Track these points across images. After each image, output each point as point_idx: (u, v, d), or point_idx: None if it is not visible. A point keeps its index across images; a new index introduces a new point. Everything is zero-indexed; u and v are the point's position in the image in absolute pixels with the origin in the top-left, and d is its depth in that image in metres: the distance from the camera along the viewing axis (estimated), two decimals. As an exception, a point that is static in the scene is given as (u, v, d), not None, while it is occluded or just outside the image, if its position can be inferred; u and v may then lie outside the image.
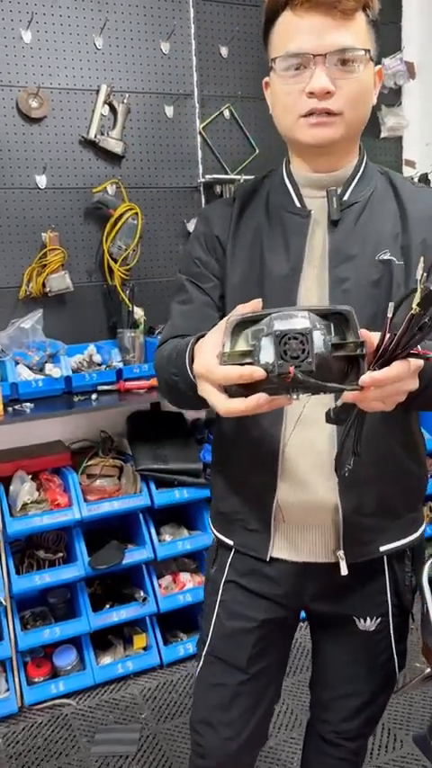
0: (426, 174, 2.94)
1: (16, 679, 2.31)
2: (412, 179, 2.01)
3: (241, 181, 2.68)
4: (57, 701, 2.35)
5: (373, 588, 1.24)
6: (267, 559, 1.22)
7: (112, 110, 2.51)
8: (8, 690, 2.30)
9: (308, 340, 0.78)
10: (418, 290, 0.78)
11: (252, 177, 1.33)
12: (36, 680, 2.35)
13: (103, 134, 2.50)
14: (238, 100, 2.74)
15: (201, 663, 1.34)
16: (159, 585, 2.50)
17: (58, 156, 2.46)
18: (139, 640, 2.46)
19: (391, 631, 1.27)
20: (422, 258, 0.84)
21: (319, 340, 0.79)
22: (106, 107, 2.49)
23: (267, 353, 0.79)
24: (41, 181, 2.44)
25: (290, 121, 1.08)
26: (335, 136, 1.07)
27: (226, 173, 2.73)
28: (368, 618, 1.25)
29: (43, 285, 2.42)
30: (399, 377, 0.82)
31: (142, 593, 2.46)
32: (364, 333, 0.83)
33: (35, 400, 2.29)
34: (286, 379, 0.78)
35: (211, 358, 0.87)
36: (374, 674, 1.30)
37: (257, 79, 2.63)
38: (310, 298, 1.12)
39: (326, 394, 0.84)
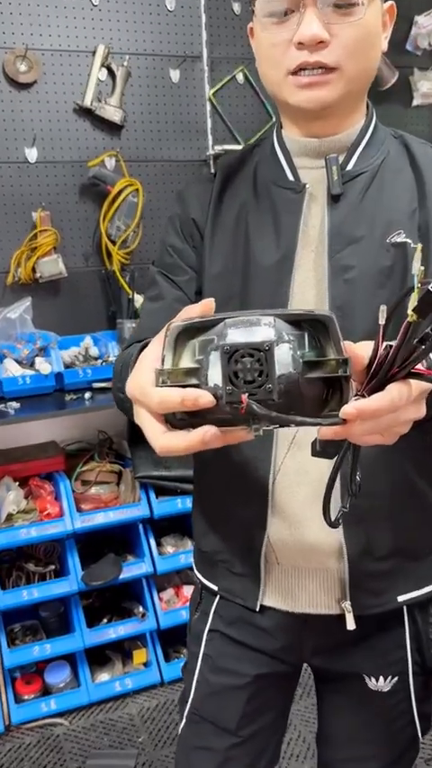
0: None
1: (3, 696, 2.18)
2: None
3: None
4: (47, 721, 2.22)
5: (387, 643, 1.05)
6: (257, 609, 1.04)
7: (111, 74, 2.35)
8: None
9: (267, 358, 0.58)
10: (415, 290, 0.60)
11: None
12: (25, 697, 2.23)
13: (100, 101, 2.33)
14: (253, 62, 2.47)
15: (183, 722, 1.17)
16: (160, 599, 2.37)
17: (49, 126, 2.30)
18: (139, 655, 2.34)
19: (412, 692, 1.07)
20: (418, 248, 0.64)
21: (285, 357, 0.59)
22: (104, 71, 2.33)
23: (216, 374, 0.60)
24: (31, 154, 2.29)
25: (277, 79, 0.91)
26: (331, 97, 0.90)
27: (238, 144, 2.54)
28: (381, 677, 1.06)
29: (33, 270, 2.28)
30: (394, 405, 0.62)
31: (141, 609, 2.32)
32: (349, 346, 0.63)
33: (22, 399, 2.14)
34: (240, 410, 0.58)
35: (147, 376, 0.66)
36: (390, 740, 1.11)
37: (274, 37, 2.45)
38: (305, 291, 0.95)
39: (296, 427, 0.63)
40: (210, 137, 2.52)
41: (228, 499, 1.04)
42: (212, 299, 0.68)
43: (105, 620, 2.33)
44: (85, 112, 2.32)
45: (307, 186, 0.96)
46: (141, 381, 0.67)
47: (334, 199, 0.95)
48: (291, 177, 0.98)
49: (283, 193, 0.98)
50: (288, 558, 1.01)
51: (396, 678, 1.06)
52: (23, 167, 2.28)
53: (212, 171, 1.07)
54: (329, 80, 0.89)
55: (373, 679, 1.06)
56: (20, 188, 2.28)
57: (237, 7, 2.46)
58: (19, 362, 2.20)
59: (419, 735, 1.11)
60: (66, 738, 2.15)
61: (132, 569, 2.27)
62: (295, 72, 0.89)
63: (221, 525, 1.07)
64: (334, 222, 0.95)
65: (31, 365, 2.23)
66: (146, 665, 2.34)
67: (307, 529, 0.98)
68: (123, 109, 2.35)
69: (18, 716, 2.17)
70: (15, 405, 2.08)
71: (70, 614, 2.28)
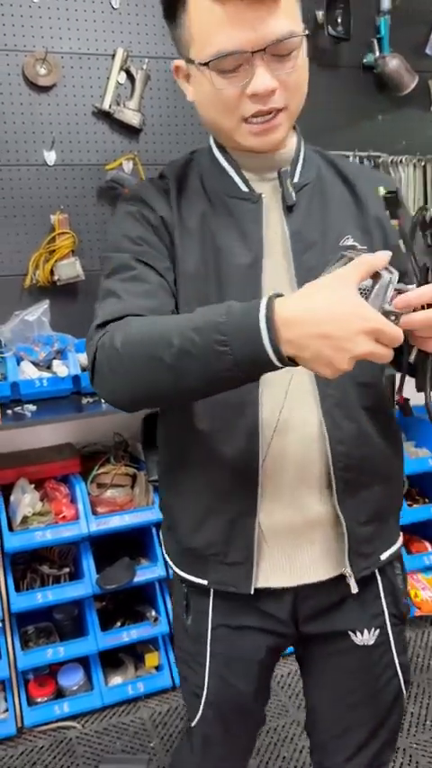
0: None
1: (16, 699, 2.17)
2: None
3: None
4: (60, 724, 2.21)
5: (367, 597, 1.15)
6: (252, 593, 1.09)
7: (130, 77, 2.32)
8: (6, 710, 2.17)
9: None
10: None
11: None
12: (38, 700, 2.21)
13: (118, 104, 2.30)
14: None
15: (198, 717, 1.21)
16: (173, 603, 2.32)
17: (68, 129, 2.27)
18: (152, 659, 2.32)
19: (392, 643, 1.17)
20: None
21: None
22: (123, 74, 2.30)
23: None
24: (50, 157, 2.26)
25: (230, 125, 0.99)
26: (282, 136, 1.01)
27: (255, 148, 2.49)
28: (365, 631, 1.15)
29: (51, 273, 2.25)
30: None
31: (154, 613, 2.31)
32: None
33: (39, 401, 2.12)
34: None
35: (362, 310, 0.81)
36: (380, 695, 1.18)
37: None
38: (276, 288, 0.97)
39: None
40: None
41: (216, 493, 1.07)
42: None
43: (119, 624, 2.31)
44: (104, 116, 2.30)
45: (263, 196, 1.05)
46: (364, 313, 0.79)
47: (288, 208, 1.05)
48: (245, 188, 1.06)
49: (241, 204, 1.05)
50: (280, 538, 1.08)
51: (378, 630, 1.15)
52: (42, 170, 2.26)
53: (162, 178, 1.10)
54: (279, 122, 0.98)
55: (359, 634, 1.14)
56: (38, 190, 2.26)
57: (256, 11, 2.44)
58: (36, 365, 2.18)
59: (403, 689, 1.20)
60: (78, 742, 2.14)
61: (146, 573, 2.26)
62: (250, 118, 0.96)
63: (212, 519, 1.08)
64: (293, 229, 1.05)
65: (48, 367, 2.21)
66: (158, 668, 2.33)
67: (299, 507, 1.06)
68: (142, 112, 2.32)
69: (31, 718, 2.17)
70: (32, 407, 2.06)
71: (84, 617, 2.27)
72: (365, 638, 1.15)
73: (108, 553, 2.31)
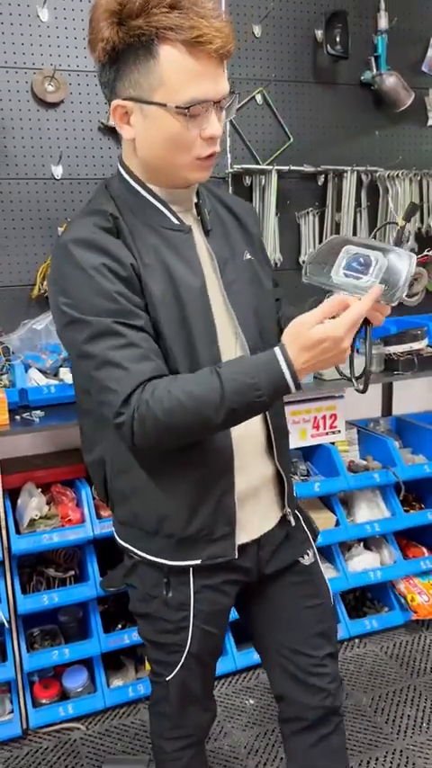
0: None
1: (21, 700, 2.19)
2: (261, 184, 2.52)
3: (272, 171, 2.49)
4: (64, 725, 2.23)
5: (298, 529, 1.44)
6: (236, 556, 1.30)
7: None
8: (12, 711, 2.18)
9: None
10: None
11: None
12: (43, 701, 2.23)
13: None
14: (272, 84, 2.55)
15: (177, 669, 1.38)
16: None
17: (75, 143, 2.32)
18: None
19: (317, 556, 1.48)
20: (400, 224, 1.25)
21: None
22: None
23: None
24: (57, 171, 2.31)
25: (184, 161, 1.15)
26: (209, 174, 1.22)
27: (257, 162, 2.56)
28: (306, 554, 1.45)
29: None
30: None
31: None
32: None
33: (47, 407, 2.14)
34: None
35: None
36: (325, 593, 1.48)
37: (294, 61, 2.51)
38: (217, 303, 1.24)
39: None
40: (229, 155, 2.53)
41: (203, 484, 1.25)
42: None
43: (120, 626, 2.33)
44: (110, 131, 2.34)
45: (191, 227, 1.24)
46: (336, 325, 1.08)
47: (207, 233, 1.27)
48: (176, 221, 1.23)
49: (176, 235, 1.22)
50: (247, 502, 1.31)
51: (311, 550, 1.46)
52: (49, 183, 2.30)
53: (108, 222, 1.18)
54: (213, 161, 1.18)
55: (305, 557, 1.44)
56: (46, 204, 2.30)
57: (257, 30, 2.49)
58: (43, 372, 2.22)
59: (329, 587, 1.51)
60: (82, 743, 2.16)
61: None
62: (203, 159, 1.15)
63: (202, 506, 1.26)
64: (214, 249, 1.26)
65: (55, 375, 2.24)
66: None
67: (257, 473, 1.33)
68: None
69: (36, 720, 2.18)
70: (40, 413, 2.08)
71: (88, 619, 2.28)
72: (308, 558, 1.45)
73: (110, 556, 2.28)
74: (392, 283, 1.11)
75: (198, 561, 1.29)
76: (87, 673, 2.28)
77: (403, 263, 1.11)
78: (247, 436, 1.29)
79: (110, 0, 1.06)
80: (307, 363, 1.10)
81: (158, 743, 1.53)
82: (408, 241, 1.15)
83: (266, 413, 1.30)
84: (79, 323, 1.12)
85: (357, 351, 1.22)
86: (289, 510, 1.39)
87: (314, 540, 1.49)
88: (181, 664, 1.37)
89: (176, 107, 1.08)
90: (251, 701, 2.30)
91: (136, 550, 1.35)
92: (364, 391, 1.23)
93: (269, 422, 1.32)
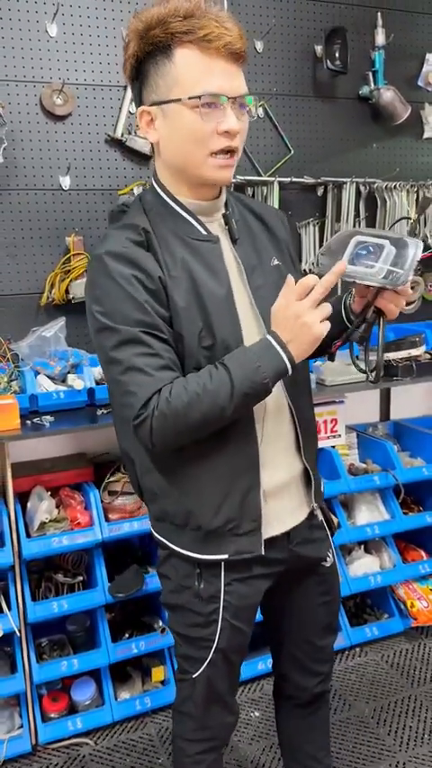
0: (471, 177, 2.78)
1: (30, 715, 2.14)
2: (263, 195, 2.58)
3: (274, 182, 2.54)
4: (74, 740, 2.18)
5: (320, 527, 1.49)
6: (263, 553, 1.33)
7: None
8: (21, 726, 2.14)
9: None
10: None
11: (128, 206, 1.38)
12: (52, 716, 2.19)
13: (130, 133, 2.40)
14: (274, 97, 2.61)
15: (205, 665, 1.40)
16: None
17: (82, 155, 2.36)
18: (158, 673, 2.31)
19: (335, 555, 1.55)
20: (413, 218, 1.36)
21: None
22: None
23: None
24: (65, 182, 2.35)
25: (199, 156, 1.19)
26: (231, 176, 1.25)
27: (259, 174, 2.62)
28: (328, 556, 1.51)
29: (66, 292, 2.32)
30: None
31: (161, 624, 2.31)
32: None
33: (56, 413, 2.16)
34: None
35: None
36: (337, 591, 1.58)
37: (294, 75, 2.58)
38: (244, 308, 1.29)
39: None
40: None
41: (229, 478, 1.29)
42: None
43: (126, 635, 2.31)
44: (116, 143, 2.38)
45: (219, 237, 1.29)
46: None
47: (234, 242, 1.31)
48: (204, 232, 1.28)
49: (204, 245, 1.27)
50: (277, 495, 1.36)
51: (330, 551, 1.52)
52: (58, 194, 2.34)
53: (138, 234, 1.24)
54: (233, 162, 1.22)
55: (327, 559, 1.50)
56: (54, 213, 2.34)
57: (259, 45, 2.56)
58: (51, 378, 2.24)
59: (340, 588, 1.61)
60: (92, 759, 2.12)
61: (154, 581, 2.24)
62: (217, 153, 1.18)
63: (228, 500, 1.30)
64: (241, 257, 1.31)
65: (63, 381, 2.26)
66: (163, 683, 2.32)
67: (286, 468, 1.38)
68: None
69: (45, 735, 2.13)
70: (50, 418, 2.10)
71: (96, 628, 2.26)
72: (329, 560, 1.51)
73: (116, 562, 2.32)
74: (399, 267, 1.14)
75: (225, 556, 1.32)
76: (95, 685, 2.25)
77: (410, 248, 1.15)
78: (277, 435, 1.34)
79: (136, 22, 1.18)
80: (290, 342, 1.18)
81: (180, 744, 1.53)
82: (419, 234, 1.18)
83: (294, 414, 1.36)
84: (109, 330, 1.19)
85: (372, 347, 1.27)
86: (316, 505, 1.45)
87: (332, 537, 1.54)
88: (209, 660, 1.39)
89: (189, 98, 1.15)
90: (257, 714, 2.29)
91: (168, 543, 1.39)
92: (375, 382, 1.27)
93: (296, 422, 1.37)
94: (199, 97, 1.14)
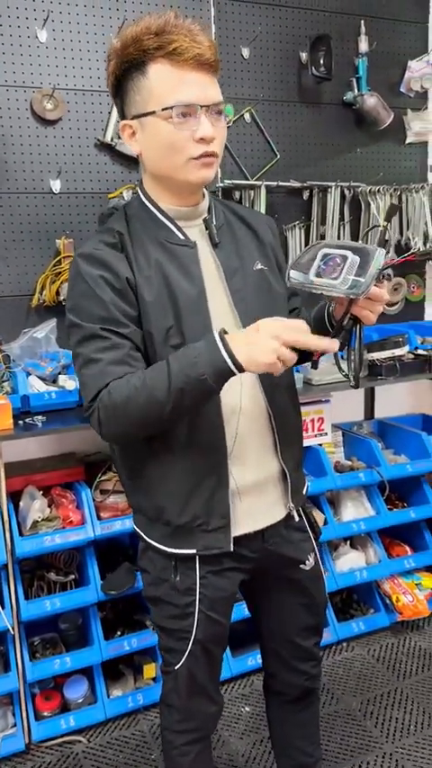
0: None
1: (24, 713, 2.16)
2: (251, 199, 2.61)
3: (261, 186, 2.59)
4: (67, 738, 2.20)
5: (301, 528, 1.51)
6: (231, 549, 1.37)
7: None
8: (15, 725, 2.15)
9: None
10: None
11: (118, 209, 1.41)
12: (45, 714, 2.21)
13: (119, 137, 2.38)
14: (260, 103, 2.65)
15: (185, 657, 1.44)
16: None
17: (72, 159, 2.39)
18: (149, 670, 2.34)
19: (318, 559, 1.57)
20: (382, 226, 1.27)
21: None
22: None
23: None
24: (56, 185, 2.37)
25: (179, 163, 1.25)
26: (213, 175, 1.29)
27: (246, 178, 2.65)
28: (308, 558, 1.53)
29: (57, 294, 2.34)
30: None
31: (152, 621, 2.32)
32: None
33: (48, 413, 2.18)
34: None
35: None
36: (320, 593, 1.60)
37: (280, 81, 2.64)
38: (218, 309, 1.32)
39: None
40: (219, 171, 2.54)
41: (195, 475, 1.33)
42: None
43: (119, 633, 2.32)
44: (106, 148, 2.41)
45: (197, 243, 1.33)
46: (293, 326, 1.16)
47: (215, 246, 1.35)
48: (181, 237, 1.33)
49: (181, 249, 1.32)
50: (250, 493, 1.39)
51: (313, 554, 1.54)
52: (48, 197, 2.35)
53: (113, 237, 1.30)
54: (214, 162, 1.27)
55: (306, 562, 1.52)
56: (44, 216, 2.36)
57: (246, 52, 2.59)
58: (42, 379, 2.25)
59: (325, 585, 1.63)
60: (85, 756, 2.13)
61: None
62: (197, 158, 1.23)
63: (195, 497, 1.34)
64: (222, 261, 1.35)
65: (54, 382, 2.28)
66: (154, 680, 2.34)
67: (262, 467, 1.40)
68: None
69: (39, 733, 2.15)
70: (42, 418, 2.12)
71: (88, 626, 2.28)
72: (309, 563, 1.53)
73: (107, 561, 2.34)
74: (362, 276, 1.16)
75: (194, 551, 1.37)
76: (88, 683, 2.27)
77: (371, 257, 1.17)
78: (252, 433, 1.37)
79: (115, 41, 1.25)
80: (240, 346, 1.15)
81: (168, 737, 1.57)
82: (388, 240, 1.21)
83: (272, 414, 1.38)
84: (75, 326, 1.27)
85: (353, 349, 1.30)
86: (293, 506, 1.46)
87: (316, 541, 1.57)
88: (188, 651, 1.43)
89: (163, 109, 1.21)
90: (247, 709, 2.32)
91: (144, 535, 1.45)
92: (356, 387, 1.30)
93: (273, 422, 1.39)
94: (171, 108, 1.20)
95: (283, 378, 1.38)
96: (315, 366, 1.34)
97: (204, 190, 1.39)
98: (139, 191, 1.38)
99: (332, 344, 1.17)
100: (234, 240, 1.40)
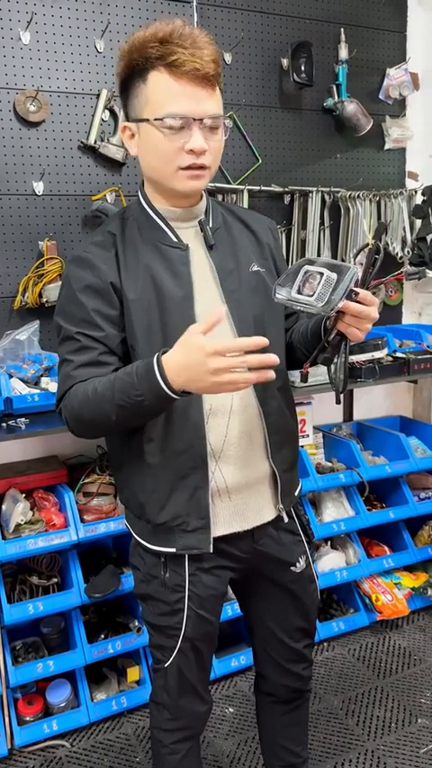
0: (430, 187, 2.88)
1: (6, 718, 2.14)
2: (233, 202, 2.62)
3: (244, 190, 2.61)
4: (50, 743, 2.19)
5: (293, 530, 1.52)
6: (211, 551, 1.38)
7: (113, 115, 2.44)
8: None
9: None
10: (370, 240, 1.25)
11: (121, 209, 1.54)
12: (27, 718, 2.19)
13: (103, 140, 2.43)
14: (242, 108, 2.67)
15: (174, 654, 1.46)
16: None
17: (56, 161, 2.38)
18: (133, 673, 2.34)
19: (311, 561, 1.58)
20: (370, 241, 1.31)
21: None
22: (107, 112, 2.42)
23: None
24: (39, 187, 2.36)
25: (168, 171, 1.28)
26: (203, 186, 1.32)
27: (228, 182, 2.67)
28: (298, 560, 1.53)
29: (40, 295, 2.33)
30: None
31: (137, 623, 2.33)
32: None
33: (30, 415, 2.17)
34: None
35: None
36: (311, 595, 1.59)
37: (262, 87, 2.67)
38: (208, 311, 1.26)
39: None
40: None
41: (176, 475, 1.35)
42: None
43: (102, 636, 2.32)
44: (89, 150, 2.40)
45: (189, 245, 1.35)
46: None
47: (210, 247, 1.37)
48: (174, 239, 1.36)
49: (172, 250, 1.35)
50: (239, 493, 1.40)
51: (304, 556, 1.55)
52: (31, 199, 2.34)
53: (107, 237, 1.35)
54: (204, 174, 1.29)
55: (297, 564, 1.52)
56: (27, 218, 2.34)
57: (228, 57, 2.61)
58: (24, 382, 2.23)
59: (317, 589, 1.64)
60: (68, 760, 2.12)
61: (129, 581, 2.24)
62: (185, 168, 1.26)
63: (174, 496, 1.36)
64: (216, 262, 1.37)
65: (36, 384, 2.26)
66: (138, 683, 2.34)
67: (251, 467, 1.41)
68: (124, 148, 2.40)
69: (21, 738, 2.14)
70: (25, 420, 2.11)
71: (71, 630, 2.27)
72: (300, 565, 1.53)
73: (92, 564, 2.33)
74: (333, 293, 1.19)
75: (173, 550, 1.39)
76: (71, 686, 2.26)
77: (344, 275, 1.20)
78: (242, 434, 1.39)
79: (126, 44, 1.27)
80: (181, 372, 1.14)
81: (157, 735, 1.58)
82: (379, 258, 1.23)
83: (263, 416, 1.40)
84: (59, 327, 1.34)
85: (337, 362, 1.33)
86: (282, 507, 1.47)
87: (309, 544, 1.58)
88: (178, 648, 1.45)
89: (155, 119, 1.24)
90: (231, 710, 2.33)
91: (131, 530, 1.49)
92: (337, 402, 1.35)
93: (264, 423, 1.41)
94: (162, 119, 1.23)
95: (276, 379, 1.39)
96: (305, 379, 1.37)
97: (203, 191, 1.40)
98: (140, 192, 1.41)
99: (260, 340, 1.12)
100: (231, 242, 1.41)
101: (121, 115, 2.35)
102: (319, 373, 2.19)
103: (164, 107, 1.23)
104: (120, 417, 1.23)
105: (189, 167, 1.26)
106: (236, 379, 1.12)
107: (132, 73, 1.26)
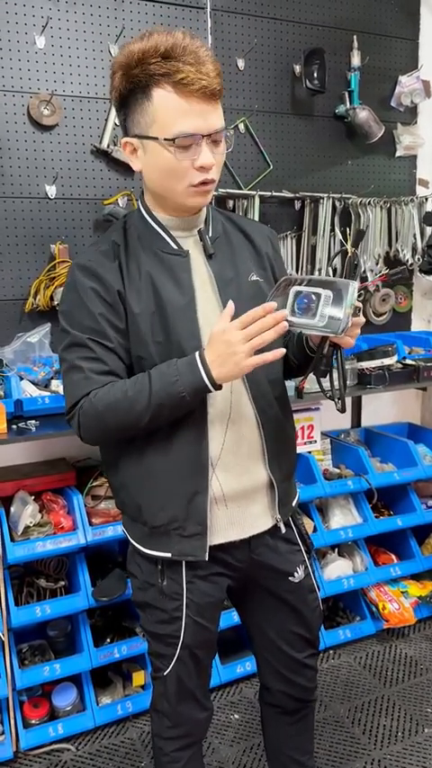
0: (440, 195, 2.89)
1: (12, 721, 2.14)
2: (244, 208, 2.65)
3: (255, 196, 2.61)
4: (55, 746, 2.19)
5: (291, 539, 1.51)
6: (206, 559, 1.37)
7: None
8: (3, 733, 2.14)
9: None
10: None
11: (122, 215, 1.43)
12: (33, 722, 2.19)
13: (115, 144, 2.43)
14: (254, 114, 2.68)
15: (173, 662, 1.45)
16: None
17: (68, 165, 2.39)
18: (139, 677, 2.33)
19: (309, 571, 1.56)
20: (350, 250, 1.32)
21: None
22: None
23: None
24: (51, 191, 2.37)
25: (180, 188, 1.28)
26: (209, 199, 1.35)
27: (239, 188, 2.67)
28: (297, 570, 1.52)
29: (51, 298, 2.33)
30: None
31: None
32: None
33: (41, 417, 2.17)
34: None
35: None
36: (311, 604, 1.57)
37: (274, 93, 2.67)
38: (210, 319, 1.33)
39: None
40: None
41: (175, 478, 1.35)
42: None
43: (108, 640, 2.31)
44: (102, 154, 2.41)
45: (189, 252, 1.36)
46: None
47: (209, 256, 1.37)
48: (174, 246, 1.36)
49: (173, 258, 1.35)
50: (236, 501, 1.40)
51: (302, 565, 1.53)
52: (44, 203, 2.35)
53: (109, 246, 1.36)
54: (210, 189, 1.30)
55: (295, 574, 1.51)
56: (39, 222, 2.35)
57: (241, 63, 2.62)
58: (35, 384, 2.24)
59: (319, 599, 1.61)
60: (73, 764, 2.12)
61: None
62: (196, 185, 1.26)
63: (172, 499, 1.36)
64: (215, 271, 1.37)
65: (46, 386, 2.27)
66: (143, 687, 2.33)
67: (249, 475, 1.40)
68: None
69: (27, 741, 2.14)
70: (35, 423, 2.11)
71: (77, 633, 2.27)
72: (298, 576, 1.52)
73: (98, 567, 2.33)
74: (338, 311, 1.17)
75: (168, 554, 1.39)
76: (76, 690, 2.26)
77: (344, 292, 1.17)
78: (240, 441, 1.38)
79: (122, 55, 1.24)
80: (216, 364, 1.22)
81: (158, 743, 1.58)
82: (358, 265, 1.22)
83: (260, 424, 1.39)
84: (64, 332, 1.33)
85: (335, 369, 1.33)
86: (279, 517, 1.46)
87: (307, 554, 1.56)
88: (176, 656, 1.44)
89: (165, 139, 1.22)
90: (236, 716, 2.32)
91: (128, 534, 1.49)
92: (342, 411, 1.34)
93: (262, 431, 1.40)
94: (174, 140, 1.21)
95: (273, 388, 1.43)
96: (300, 395, 1.36)
97: None
98: (139, 202, 1.41)
99: (280, 314, 1.20)
100: (230, 251, 1.42)
101: (110, 122, 2.39)
102: (327, 380, 2.19)
103: (174, 126, 1.21)
104: (153, 417, 1.25)
105: (200, 184, 1.26)
106: (265, 337, 1.19)
107: (134, 89, 1.22)
